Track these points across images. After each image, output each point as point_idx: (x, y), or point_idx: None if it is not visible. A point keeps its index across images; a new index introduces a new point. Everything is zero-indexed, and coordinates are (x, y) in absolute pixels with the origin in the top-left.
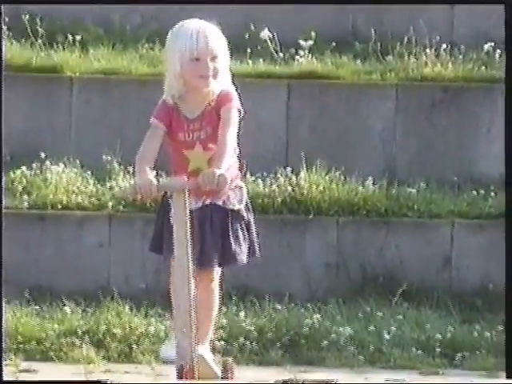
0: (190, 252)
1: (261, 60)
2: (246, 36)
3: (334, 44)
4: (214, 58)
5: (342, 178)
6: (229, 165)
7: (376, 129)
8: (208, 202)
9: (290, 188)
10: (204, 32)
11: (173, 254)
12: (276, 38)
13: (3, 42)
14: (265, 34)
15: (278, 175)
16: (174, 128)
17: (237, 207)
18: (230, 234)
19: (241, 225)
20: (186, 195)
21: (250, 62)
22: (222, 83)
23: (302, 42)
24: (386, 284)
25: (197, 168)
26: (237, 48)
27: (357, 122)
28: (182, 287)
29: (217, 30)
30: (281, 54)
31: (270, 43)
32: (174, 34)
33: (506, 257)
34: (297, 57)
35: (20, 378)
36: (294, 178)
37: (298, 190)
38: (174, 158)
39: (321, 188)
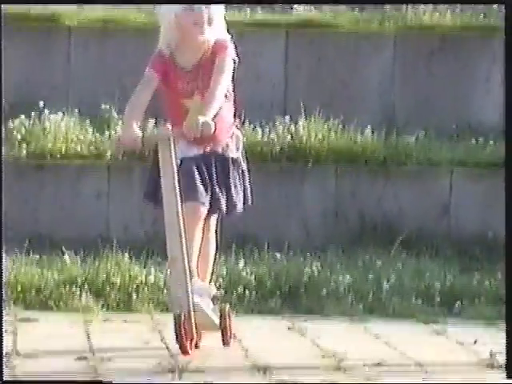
0: (179, 201)
1: (259, 9)
2: None
3: None
4: (208, 6)
5: (341, 126)
6: (216, 112)
7: (374, 78)
8: (208, 149)
9: (288, 136)
10: None
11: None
12: None
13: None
14: None
15: (277, 123)
16: (172, 78)
17: (235, 155)
18: (231, 182)
19: (238, 173)
20: (172, 145)
21: (247, 10)
22: (216, 32)
23: None
24: (385, 233)
25: (196, 117)
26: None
27: (355, 70)
28: (173, 236)
29: None
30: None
31: None
32: None
33: (506, 260)
34: (295, 5)
35: (19, 328)
36: (292, 126)
37: (297, 138)
38: (172, 107)
39: (319, 137)
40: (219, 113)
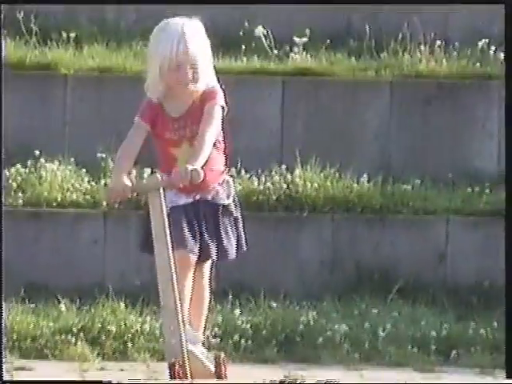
0: (170, 249)
1: (255, 57)
2: (241, 33)
3: (328, 41)
4: (194, 64)
5: (337, 175)
6: (205, 160)
7: (371, 126)
8: (198, 197)
9: (284, 185)
10: (185, 36)
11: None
12: (270, 35)
13: (3, 42)
14: (259, 30)
15: (273, 172)
16: (160, 127)
17: (226, 202)
18: (221, 229)
19: (230, 220)
20: (161, 193)
21: (244, 58)
22: (205, 82)
23: (296, 39)
24: (381, 281)
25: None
26: (231, 45)
27: (351, 118)
28: (165, 285)
29: (199, 30)
30: (275, 51)
31: (264, 40)
32: (155, 37)
33: (505, 257)
34: (291, 54)
35: (16, 377)
36: (288, 175)
37: (293, 187)
38: (162, 156)
39: (315, 185)
40: (208, 161)
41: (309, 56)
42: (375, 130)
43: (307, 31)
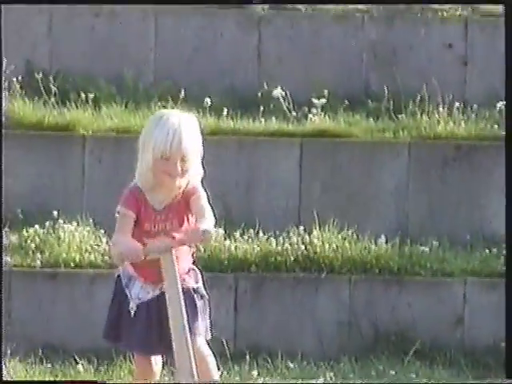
0: (184, 312)
1: (273, 118)
2: (259, 94)
3: (346, 102)
4: (184, 158)
5: (355, 236)
6: (212, 225)
7: (389, 187)
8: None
9: (302, 246)
10: (180, 133)
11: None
12: (289, 97)
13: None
14: (277, 92)
15: (291, 234)
16: (142, 218)
17: (195, 285)
18: (198, 312)
19: (204, 302)
20: (174, 255)
21: (262, 120)
22: (190, 179)
23: (314, 101)
24: (399, 342)
25: (157, 258)
26: (249, 106)
27: (369, 180)
28: (179, 347)
29: (194, 128)
30: (293, 113)
31: (282, 101)
32: (151, 127)
33: (506, 258)
34: (309, 115)
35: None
36: (306, 236)
37: (311, 248)
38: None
39: (333, 246)
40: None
41: (327, 117)
42: (393, 191)
43: (325, 92)
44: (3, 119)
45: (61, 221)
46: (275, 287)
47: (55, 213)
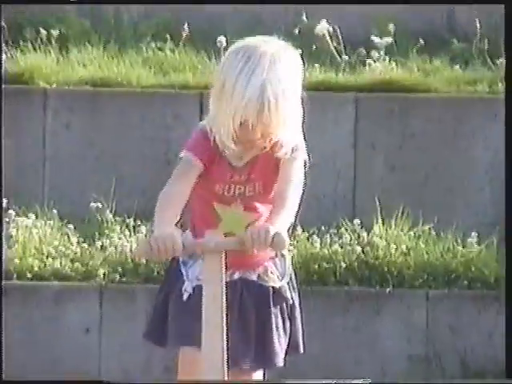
0: (225, 345)
1: (316, 65)
2: (296, 31)
3: (421, 42)
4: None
5: (434, 233)
6: (288, 226)
7: (483, 162)
8: (236, 276)
9: (358, 248)
10: (275, 87)
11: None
12: (338, 34)
13: (3, 44)
14: (322, 27)
15: (342, 230)
16: (214, 175)
17: (278, 284)
18: (271, 323)
19: (282, 310)
20: (223, 259)
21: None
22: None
23: (375, 40)
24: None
25: (229, 232)
26: None
27: (455, 152)
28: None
29: (294, 67)
30: (345, 57)
31: (329, 41)
32: (233, 72)
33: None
34: (368, 60)
35: None
36: (364, 233)
37: (371, 250)
38: (199, 211)
39: (403, 248)
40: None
41: (393, 63)
42: (488, 167)
43: (391, 27)
44: None
45: (12, 213)
46: (320, 305)
47: (4, 201)
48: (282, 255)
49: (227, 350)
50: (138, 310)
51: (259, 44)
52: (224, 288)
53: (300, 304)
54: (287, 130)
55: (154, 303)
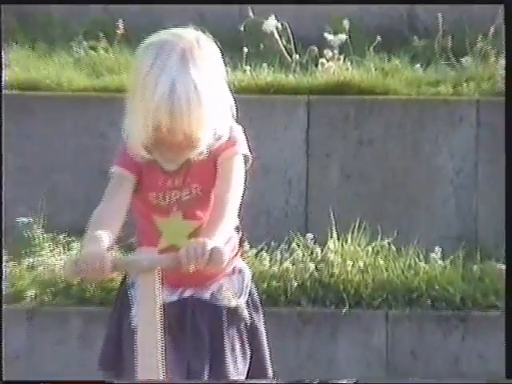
0: (162, 366)
1: (264, 65)
2: (241, 28)
3: (378, 39)
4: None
5: (394, 248)
6: (228, 237)
7: (448, 170)
8: (188, 293)
9: (311, 265)
10: (185, 85)
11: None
12: (288, 31)
13: (3, 44)
14: (270, 24)
15: (294, 245)
16: (146, 183)
17: (233, 303)
18: (223, 346)
19: (239, 331)
20: (157, 278)
21: (247, 68)
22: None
23: (328, 37)
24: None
25: (172, 245)
26: (227, 46)
27: (417, 159)
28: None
29: (208, 64)
30: (296, 56)
31: (278, 39)
32: (141, 69)
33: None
34: (321, 60)
35: None
36: (317, 249)
37: (325, 268)
38: (141, 227)
39: (360, 265)
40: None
41: (348, 63)
42: (454, 177)
43: (345, 24)
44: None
45: None
46: (270, 327)
47: None
48: (240, 270)
49: (180, 371)
50: (70, 336)
51: (169, 38)
52: (159, 309)
53: (265, 324)
54: (210, 126)
55: (107, 330)
